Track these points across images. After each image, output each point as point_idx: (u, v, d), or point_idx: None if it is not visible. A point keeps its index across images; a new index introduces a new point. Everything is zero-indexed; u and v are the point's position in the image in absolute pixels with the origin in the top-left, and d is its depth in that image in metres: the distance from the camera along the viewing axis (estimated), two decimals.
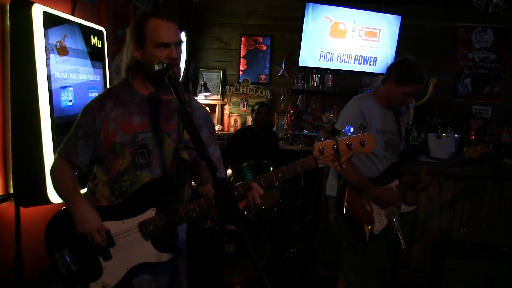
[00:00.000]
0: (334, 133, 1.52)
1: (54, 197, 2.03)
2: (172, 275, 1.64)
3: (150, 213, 1.49)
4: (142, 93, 1.58)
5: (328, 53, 4.66)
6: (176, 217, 1.48)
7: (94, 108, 1.53)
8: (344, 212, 2.39)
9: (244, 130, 4.44)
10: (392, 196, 2.32)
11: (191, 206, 1.48)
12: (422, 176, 2.38)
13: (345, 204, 2.40)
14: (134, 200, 1.50)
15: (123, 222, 1.49)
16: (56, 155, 1.61)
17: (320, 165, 1.49)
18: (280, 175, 1.47)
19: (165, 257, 1.51)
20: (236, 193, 1.43)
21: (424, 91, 4.53)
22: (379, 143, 2.41)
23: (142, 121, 1.54)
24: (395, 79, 2.35)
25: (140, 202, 1.50)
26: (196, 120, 1.55)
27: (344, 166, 1.49)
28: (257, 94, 5.11)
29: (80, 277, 1.50)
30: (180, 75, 1.57)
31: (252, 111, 4.34)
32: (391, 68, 2.42)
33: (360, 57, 4.73)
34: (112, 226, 1.49)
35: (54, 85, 2.03)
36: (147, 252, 1.49)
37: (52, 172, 1.60)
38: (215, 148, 1.70)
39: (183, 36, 4.19)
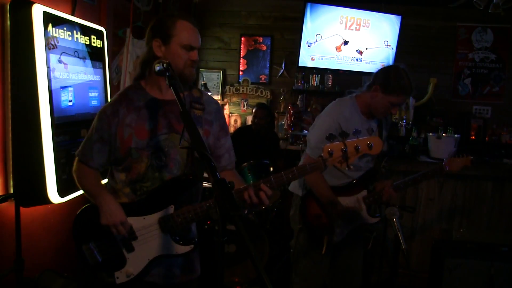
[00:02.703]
0: (343, 135, 1.54)
1: (54, 197, 2.03)
2: (186, 262, 1.74)
3: (169, 210, 1.58)
4: (154, 95, 1.63)
5: (328, 53, 4.67)
6: (193, 215, 1.57)
7: (109, 114, 1.59)
8: (306, 220, 2.39)
9: (244, 129, 4.44)
10: (352, 218, 2.31)
11: (207, 204, 1.56)
12: (386, 191, 2.30)
13: (308, 212, 2.38)
14: (154, 198, 1.59)
15: (144, 218, 1.59)
16: (76, 158, 1.69)
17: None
18: (290, 176, 1.56)
19: (182, 249, 1.62)
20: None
21: (424, 91, 4.54)
22: None
23: (156, 124, 1.60)
24: (382, 86, 2.21)
25: (160, 199, 1.59)
26: (208, 116, 1.67)
27: (351, 167, 1.56)
28: (257, 94, 5.11)
29: (105, 266, 1.60)
30: (194, 77, 1.65)
31: (252, 112, 4.34)
32: (378, 75, 2.29)
33: (360, 57, 4.73)
34: (134, 221, 1.58)
35: (54, 85, 2.03)
36: (167, 245, 1.60)
37: (75, 173, 1.69)
38: (226, 139, 1.76)
39: None
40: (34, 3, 1.92)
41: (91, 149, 1.62)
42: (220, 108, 1.79)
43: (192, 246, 1.63)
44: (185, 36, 1.54)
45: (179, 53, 1.54)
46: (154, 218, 1.58)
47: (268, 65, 5.15)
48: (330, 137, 1.53)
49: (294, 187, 2.55)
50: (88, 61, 2.38)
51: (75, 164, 1.69)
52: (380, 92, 2.23)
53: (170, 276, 1.70)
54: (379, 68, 2.38)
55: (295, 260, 2.52)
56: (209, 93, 4.89)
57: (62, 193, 2.06)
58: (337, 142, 1.52)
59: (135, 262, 1.59)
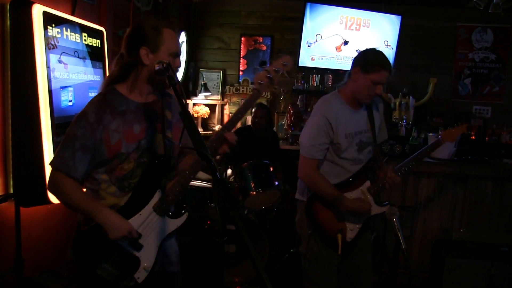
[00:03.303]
0: (262, 64, 1.78)
1: (54, 197, 2.03)
2: (176, 249, 1.84)
3: (158, 195, 1.65)
4: (134, 99, 1.65)
5: (328, 53, 4.67)
6: (179, 187, 1.65)
7: (92, 121, 1.55)
8: (316, 223, 2.35)
9: (244, 129, 4.43)
10: (364, 207, 2.28)
11: (186, 171, 1.65)
12: (388, 177, 2.27)
13: (316, 215, 2.36)
14: (140, 192, 1.64)
15: (140, 214, 1.63)
16: (51, 169, 1.59)
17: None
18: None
19: (181, 220, 1.71)
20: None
21: (424, 91, 4.54)
22: (351, 146, 2.32)
23: (142, 128, 1.64)
24: (361, 67, 2.21)
25: (145, 191, 1.65)
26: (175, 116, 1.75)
27: (276, 87, 1.87)
28: None
29: (124, 275, 1.62)
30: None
31: (251, 112, 4.34)
32: (355, 59, 2.30)
33: None
34: (134, 221, 1.61)
35: (54, 85, 2.03)
36: (167, 225, 1.69)
37: (53, 188, 1.60)
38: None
39: (183, 36, 4.19)
40: (34, 3, 1.92)
41: (73, 158, 1.54)
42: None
43: (187, 213, 1.72)
44: (172, 44, 1.61)
45: (168, 60, 1.57)
46: (148, 209, 1.64)
47: (268, 65, 5.14)
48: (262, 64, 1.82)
49: (299, 193, 2.52)
50: (88, 61, 2.38)
51: (50, 178, 1.59)
52: (360, 73, 2.22)
53: (167, 263, 1.76)
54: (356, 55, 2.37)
55: (307, 267, 2.44)
56: (209, 93, 4.93)
57: None
58: (261, 72, 1.83)
59: (147, 256, 1.64)
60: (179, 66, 1.66)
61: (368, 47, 2.34)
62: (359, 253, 2.49)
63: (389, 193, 3.34)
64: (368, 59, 2.21)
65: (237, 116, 1.76)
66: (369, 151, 2.38)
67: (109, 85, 1.65)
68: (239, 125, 5.04)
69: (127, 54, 1.63)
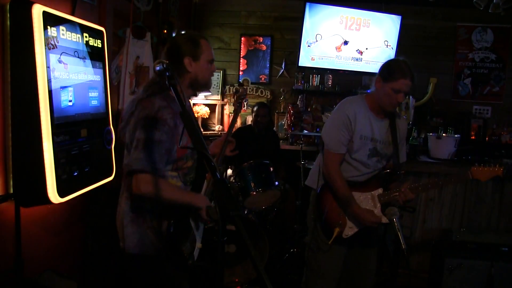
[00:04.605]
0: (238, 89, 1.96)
1: (54, 197, 2.03)
2: None
3: (205, 185, 1.97)
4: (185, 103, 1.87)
5: (328, 53, 4.67)
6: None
7: (172, 126, 1.73)
8: (320, 210, 2.44)
9: (244, 129, 4.44)
10: (370, 219, 2.31)
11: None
12: (403, 192, 2.30)
13: (323, 203, 2.44)
14: (197, 184, 1.94)
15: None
16: (142, 173, 1.68)
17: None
18: None
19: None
20: None
21: (424, 91, 4.54)
22: (363, 149, 2.39)
23: None
24: (382, 76, 2.30)
25: (199, 183, 1.95)
26: None
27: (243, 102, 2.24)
28: (257, 94, 5.11)
29: (192, 251, 1.88)
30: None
31: (252, 111, 4.34)
32: (380, 68, 2.39)
33: (360, 57, 4.73)
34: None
35: (54, 85, 2.03)
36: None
37: (146, 188, 1.69)
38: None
39: None
40: (34, 3, 1.92)
41: (161, 160, 1.72)
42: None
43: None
44: (209, 53, 1.89)
45: (207, 67, 1.88)
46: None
47: (268, 65, 5.15)
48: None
49: (311, 181, 2.59)
50: (88, 61, 2.37)
51: (140, 179, 1.68)
52: (382, 82, 2.30)
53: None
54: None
55: (309, 256, 2.56)
56: (209, 93, 4.93)
57: (61, 193, 2.05)
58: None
59: (198, 238, 1.90)
60: (215, 70, 1.95)
61: (392, 58, 2.42)
62: (361, 256, 2.51)
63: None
64: (389, 68, 2.30)
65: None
66: (377, 160, 2.44)
67: (164, 92, 1.77)
68: (239, 125, 5.05)
69: (168, 60, 1.77)
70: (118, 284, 2.70)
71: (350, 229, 2.39)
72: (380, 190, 2.40)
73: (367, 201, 2.39)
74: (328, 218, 2.41)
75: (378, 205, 2.38)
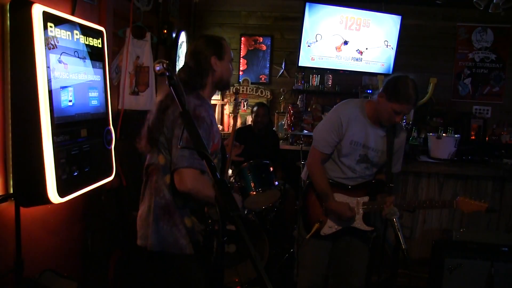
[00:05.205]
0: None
1: (54, 197, 2.02)
2: None
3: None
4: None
5: (328, 53, 4.67)
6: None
7: (209, 123, 1.83)
8: (305, 205, 2.52)
9: (244, 129, 4.44)
10: (345, 213, 2.35)
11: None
12: (387, 206, 2.27)
13: (308, 198, 2.52)
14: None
15: None
16: (189, 169, 1.73)
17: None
18: None
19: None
20: None
21: (424, 91, 4.54)
22: (353, 155, 2.40)
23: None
24: (387, 93, 2.26)
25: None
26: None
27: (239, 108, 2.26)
28: (257, 94, 5.11)
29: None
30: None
31: (252, 112, 4.34)
32: (387, 82, 2.34)
33: (360, 57, 4.73)
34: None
35: (54, 85, 2.03)
36: None
37: (193, 184, 1.74)
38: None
39: (183, 36, 4.19)
40: (33, 3, 1.92)
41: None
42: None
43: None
44: (230, 53, 2.02)
45: (229, 66, 2.00)
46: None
47: (268, 65, 5.15)
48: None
49: (304, 174, 2.65)
50: (88, 61, 2.37)
51: (186, 176, 1.72)
52: (385, 99, 2.27)
53: None
54: (391, 76, 2.41)
55: (296, 250, 2.67)
56: None
57: (62, 193, 2.05)
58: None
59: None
60: (233, 69, 2.10)
61: (401, 74, 2.34)
62: (349, 254, 2.53)
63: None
64: (396, 88, 2.25)
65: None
66: (366, 167, 2.44)
67: (194, 91, 1.89)
68: (239, 125, 5.05)
69: (195, 64, 1.93)
70: (140, 283, 2.71)
71: (329, 228, 2.44)
72: (366, 198, 2.43)
73: (346, 202, 2.42)
74: (310, 214, 2.49)
75: (361, 212, 2.41)
